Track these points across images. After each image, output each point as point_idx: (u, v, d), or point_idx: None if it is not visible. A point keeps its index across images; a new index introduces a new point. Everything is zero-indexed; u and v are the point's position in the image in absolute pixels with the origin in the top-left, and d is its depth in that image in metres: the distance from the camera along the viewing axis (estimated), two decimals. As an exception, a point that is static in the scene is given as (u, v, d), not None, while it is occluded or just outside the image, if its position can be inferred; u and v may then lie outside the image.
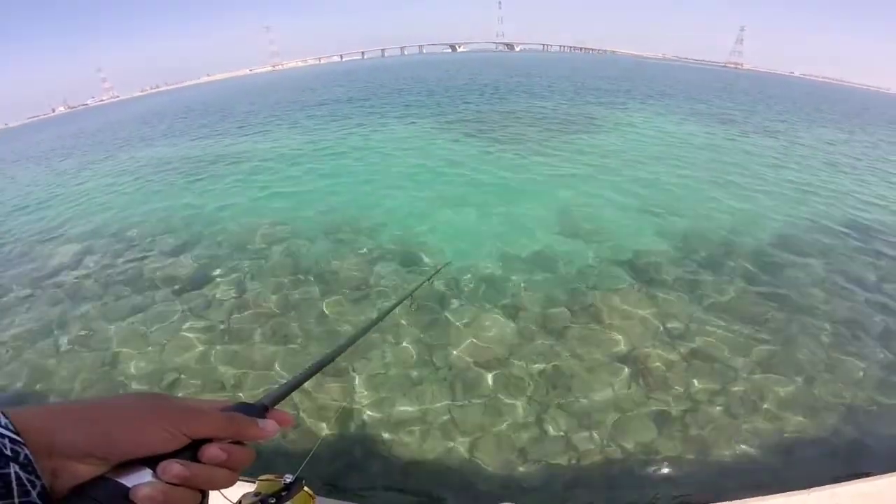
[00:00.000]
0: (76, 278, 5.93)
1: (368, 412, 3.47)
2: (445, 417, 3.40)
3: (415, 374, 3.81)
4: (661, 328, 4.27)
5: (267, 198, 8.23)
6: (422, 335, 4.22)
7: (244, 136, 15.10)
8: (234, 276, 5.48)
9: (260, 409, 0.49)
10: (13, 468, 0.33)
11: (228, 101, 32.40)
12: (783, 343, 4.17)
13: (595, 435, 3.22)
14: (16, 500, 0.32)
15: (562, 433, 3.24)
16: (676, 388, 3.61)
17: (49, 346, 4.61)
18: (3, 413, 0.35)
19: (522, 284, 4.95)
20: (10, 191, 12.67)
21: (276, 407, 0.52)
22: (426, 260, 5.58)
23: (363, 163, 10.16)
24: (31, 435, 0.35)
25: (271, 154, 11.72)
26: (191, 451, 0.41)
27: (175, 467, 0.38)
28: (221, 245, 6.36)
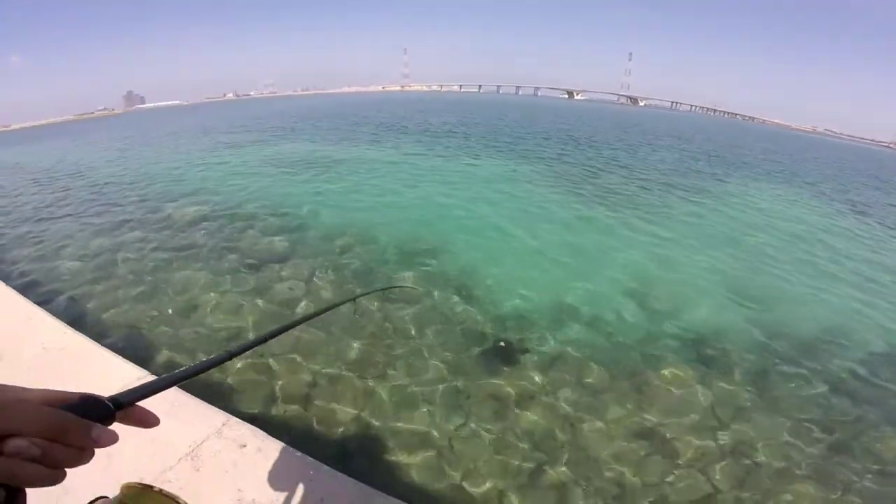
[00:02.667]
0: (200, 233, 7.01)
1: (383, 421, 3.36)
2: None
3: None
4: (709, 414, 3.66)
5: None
6: (457, 369, 4.02)
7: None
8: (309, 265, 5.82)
9: (106, 409, 0.40)
10: None
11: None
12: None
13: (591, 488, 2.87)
14: None
15: (559, 483, 2.94)
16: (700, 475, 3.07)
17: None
18: None
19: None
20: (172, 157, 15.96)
21: (140, 403, 0.43)
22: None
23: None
24: None
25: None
26: None
27: None
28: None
